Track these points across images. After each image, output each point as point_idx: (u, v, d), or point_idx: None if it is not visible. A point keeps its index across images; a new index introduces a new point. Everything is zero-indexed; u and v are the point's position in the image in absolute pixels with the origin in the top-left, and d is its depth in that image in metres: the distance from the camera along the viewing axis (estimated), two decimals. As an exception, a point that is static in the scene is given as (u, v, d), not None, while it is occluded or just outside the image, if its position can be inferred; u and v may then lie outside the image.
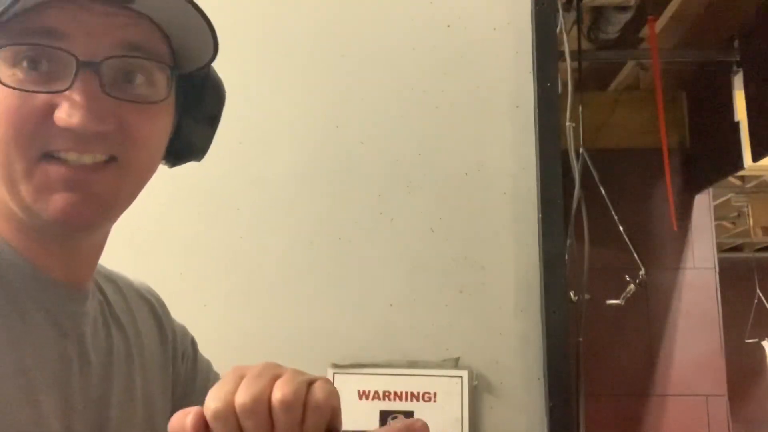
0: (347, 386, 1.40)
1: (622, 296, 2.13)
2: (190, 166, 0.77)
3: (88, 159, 0.60)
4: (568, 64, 1.72)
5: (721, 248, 3.87)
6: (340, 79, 1.54)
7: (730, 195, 3.91)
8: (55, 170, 0.60)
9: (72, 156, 0.60)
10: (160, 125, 0.66)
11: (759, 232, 4.06)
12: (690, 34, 2.74)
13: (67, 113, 0.58)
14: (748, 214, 4.02)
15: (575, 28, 2.26)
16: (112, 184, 0.62)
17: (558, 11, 1.57)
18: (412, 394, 1.40)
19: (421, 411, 1.39)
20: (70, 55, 0.58)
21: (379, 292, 1.45)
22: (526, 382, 1.42)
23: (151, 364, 0.77)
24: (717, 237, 3.26)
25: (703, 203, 3.21)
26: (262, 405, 0.51)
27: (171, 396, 0.80)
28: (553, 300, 1.41)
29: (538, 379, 1.42)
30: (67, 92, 0.58)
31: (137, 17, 0.61)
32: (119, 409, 0.69)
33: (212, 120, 0.74)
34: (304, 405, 0.52)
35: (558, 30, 1.57)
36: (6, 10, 0.56)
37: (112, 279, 0.78)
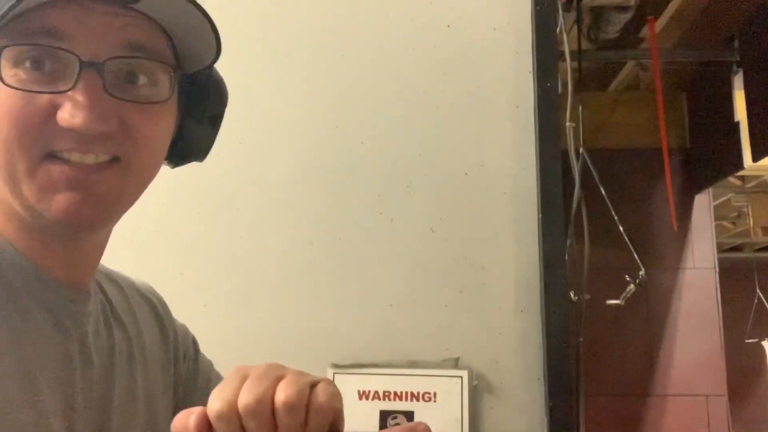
0: (347, 386, 1.40)
1: (622, 296, 2.13)
2: (190, 166, 0.77)
3: (90, 159, 0.60)
4: (568, 64, 1.72)
5: (721, 248, 3.87)
6: (340, 79, 1.54)
7: (730, 195, 3.91)
8: (57, 170, 0.60)
9: (75, 156, 0.60)
10: (163, 126, 0.66)
11: (759, 232, 4.06)
12: (690, 34, 2.74)
13: (69, 113, 0.58)
14: (748, 214, 4.02)
15: (575, 28, 2.26)
16: (115, 184, 0.62)
17: (558, 11, 1.57)
18: (412, 394, 1.40)
19: (421, 411, 1.39)
20: (72, 55, 0.58)
21: (379, 292, 1.46)
22: (526, 382, 1.42)
23: (153, 364, 0.77)
24: (717, 237, 3.26)
25: (703, 203, 3.21)
26: (265, 406, 0.51)
27: (173, 396, 0.80)
28: (553, 300, 1.41)
29: (538, 379, 1.42)
30: (69, 92, 0.58)
31: (140, 18, 0.62)
32: (121, 409, 0.69)
33: (215, 120, 0.74)
34: (307, 406, 0.52)
35: (558, 30, 1.57)
36: (9, 10, 0.56)
37: (114, 279, 0.78)
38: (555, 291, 1.42)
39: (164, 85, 0.64)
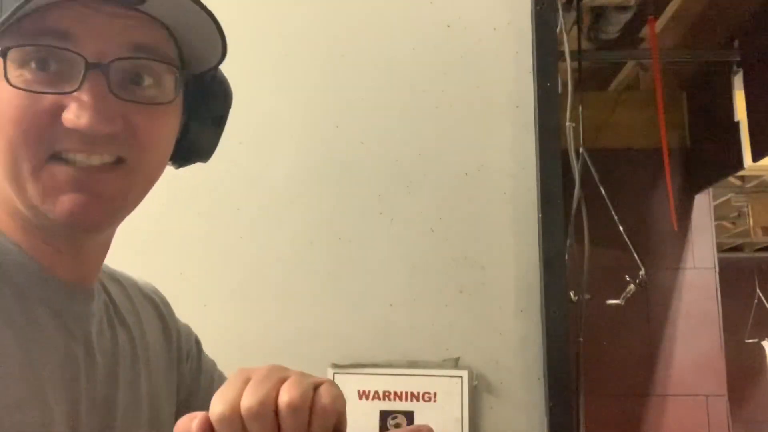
0: (347, 386, 1.40)
1: (622, 296, 2.13)
2: (191, 165, 0.77)
3: (95, 160, 0.60)
4: (568, 64, 1.72)
5: (721, 248, 3.87)
6: (340, 79, 1.54)
7: (730, 195, 3.91)
8: (62, 171, 0.60)
9: (79, 157, 0.60)
10: (168, 127, 0.66)
11: (759, 232, 4.06)
12: (690, 34, 2.74)
13: (75, 114, 0.58)
14: (748, 214, 4.02)
15: (575, 28, 2.26)
16: (120, 185, 0.62)
17: (558, 11, 1.57)
18: (412, 394, 1.40)
19: (421, 411, 1.40)
20: (78, 56, 0.58)
21: (379, 292, 1.45)
22: (526, 382, 1.42)
23: (156, 364, 0.77)
24: (717, 237, 3.26)
25: (703, 203, 3.21)
26: (268, 408, 0.51)
27: (176, 396, 0.81)
28: (553, 300, 1.41)
29: (538, 379, 1.41)
30: (75, 93, 0.58)
31: (146, 19, 0.61)
32: (124, 409, 0.69)
33: (219, 121, 0.74)
34: (311, 408, 0.52)
35: (558, 30, 1.57)
36: (16, 10, 0.56)
37: (117, 279, 0.78)
38: (555, 291, 1.42)
39: (169, 86, 0.64)
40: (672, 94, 3.19)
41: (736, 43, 2.73)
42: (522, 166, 1.49)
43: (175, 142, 0.70)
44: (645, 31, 2.63)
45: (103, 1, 0.59)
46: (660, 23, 2.56)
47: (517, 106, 1.51)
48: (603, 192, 1.87)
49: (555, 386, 1.39)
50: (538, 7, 1.53)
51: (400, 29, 1.55)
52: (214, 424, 0.51)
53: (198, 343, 0.88)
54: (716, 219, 3.43)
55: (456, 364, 1.42)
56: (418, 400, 1.40)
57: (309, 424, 0.52)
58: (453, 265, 1.46)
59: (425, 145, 1.51)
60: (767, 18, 2.50)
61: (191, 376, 0.84)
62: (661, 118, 2.51)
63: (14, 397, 0.57)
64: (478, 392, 1.41)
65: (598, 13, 2.48)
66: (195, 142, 0.72)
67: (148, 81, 0.62)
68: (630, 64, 3.03)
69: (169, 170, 0.74)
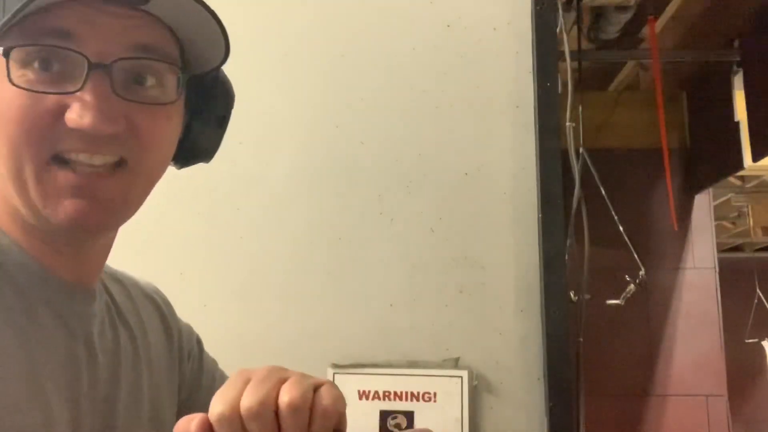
0: (347, 386, 1.40)
1: (622, 296, 2.13)
2: (192, 166, 0.77)
3: (97, 160, 0.60)
4: (568, 64, 1.72)
5: (721, 248, 3.87)
6: (340, 79, 1.54)
7: (730, 195, 3.91)
8: (63, 176, 0.59)
9: (82, 157, 0.60)
10: (170, 127, 0.66)
11: (759, 232, 4.06)
12: (690, 34, 2.74)
13: (78, 114, 0.58)
14: (748, 214, 4.02)
15: (575, 28, 2.26)
16: (121, 189, 0.62)
17: (558, 11, 1.57)
18: (412, 394, 1.40)
19: (421, 411, 1.40)
20: (81, 56, 0.58)
21: (379, 292, 1.46)
22: (526, 382, 1.42)
23: (158, 364, 0.77)
24: (717, 237, 3.26)
25: (703, 203, 3.20)
26: (268, 408, 0.51)
27: (177, 395, 0.81)
28: (553, 300, 1.41)
29: (538, 379, 1.41)
30: (78, 93, 0.58)
31: (149, 19, 0.61)
32: (126, 409, 0.69)
33: (221, 121, 0.74)
34: (311, 409, 0.52)
35: (558, 30, 1.57)
36: (20, 10, 0.56)
37: (119, 279, 0.78)
38: (555, 291, 1.42)
39: (172, 86, 0.64)
40: (672, 94, 3.18)
41: (736, 43, 2.73)
42: (522, 166, 1.49)
43: (178, 142, 0.69)
44: (645, 31, 2.63)
45: (106, 1, 0.59)
46: (660, 23, 2.56)
47: (517, 106, 1.51)
48: (603, 192, 1.87)
49: (555, 386, 1.39)
50: (538, 7, 1.53)
51: (400, 29, 1.55)
52: (214, 424, 0.51)
53: (199, 342, 0.88)
54: (716, 219, 3.43)
55: (456, 364, 1.42)
56: (418, 400, 1.40)
57: (309, 425, 0.52)
58: (453, 265, 1.46)
59: (425, 145, 1.51)
60: (767, 18, 2.50)
61: (192, 375, 0.84)
62: (661, 118, 2.51)
63: (15, 398, 0.57)
64: (478, 392, 1.41)
65: (598, 13, 2.47)
66: (197, 143, 0.72)
67: (150, 81, 0.62)
68: (630, 64, 3.03)
69: (170, 170, 0.74)
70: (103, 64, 0.59)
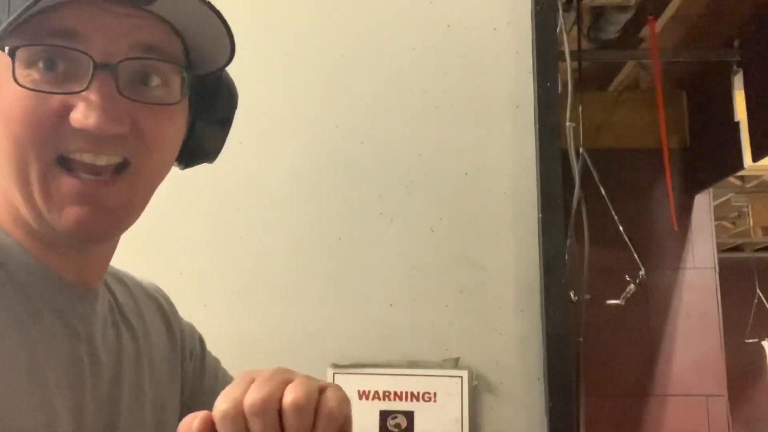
0: (347, 386, 1.39)
1: (622, 296, 2.13)
2: (194, 166, 0.77)
3: (102, 161, 0.60)
4: (568, 64, 1.72)
5: (721, 248, 3.87)
6: (340, 79, 1.54)
7: (730, 195, 3.91)
8: (68, 183, 0.59)
9: (86, 158, 0.60)
10: (175, 127, 0.66)
11: (759, 232, 4.06)
12: (690, 34, 2.74)
13: (83, 114, 0.58)
14: (748, 214, 4.02)
15: (575, 28, 2.26)
16: (125, 196, 0.62)
17: (558, 11, 1.57)
18: (412, 394, 1.40)
19: (421, 411, 1.40)
20: (86, 56, 0.58)
21: (379, 292, 1.45)
22: (526, 382, 1.42)
23: (160, 364, 0.77)
24: (717, 237, 3.26)
25: (703, 203, 3.20)
26: (272, 406, 0.51)
27: (180, 395, 0.81)
28: (553, 300, 1.41)
29: (538, 379, 1.41)
30: (83, 93, 0.58)
31: (154, 19, 0.61)
32: (129, 409, 0.69)
33: (225, 122, 0.74)
34: (316, 411, 0.52)
35: (558, 30, 1.57)
36: (25, 10, 0.55)
37: (121, 279, 0.78)
38: (555, 291, 1.42)
39: (176, 86, 0.64)
40: (672, 94, 3.18)
41: (736, 43, 2.73)
42: (522, 166, 1.49)
43: (181, 143, 0.69)
44: (645, 31, 2.63)
45: (111, 2, 0.59)
46: (660, 23, 2.56)
47: (517, 106, 1.51)
48: (603, 192, 1.87)
49: (555, 386, 1.39)
50: (538, 7, 1.53)
51: (400, 29, 1.55)
52: (217, 421, 0.51)
53: (202, 341, 0.88)
54: (716, 219, 3.43)
55: (456, 364, 1.42)
56: (418, 400, 1.40)
57: (314, 426, 0.52)
58: (453, 265, 1.46)
59: (425, 145, 1.51)
60: (767, 18, 2.50)
61: (195, 375, 0.84)
62: (661, 118, 2.51)
63: (19, 398, 0.57)
64: (478, 392, 1.41)
65: (598, 13, 2.47)
66: (201, 143, 0.72)
67: (155, 81, 0.62)
68: (630, 64, 3.03)
69: (170, 170, 0.74)
70: (109, 64, 0.58)
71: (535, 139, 1.49)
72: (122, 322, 0.73)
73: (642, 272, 2.08)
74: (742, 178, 3.66)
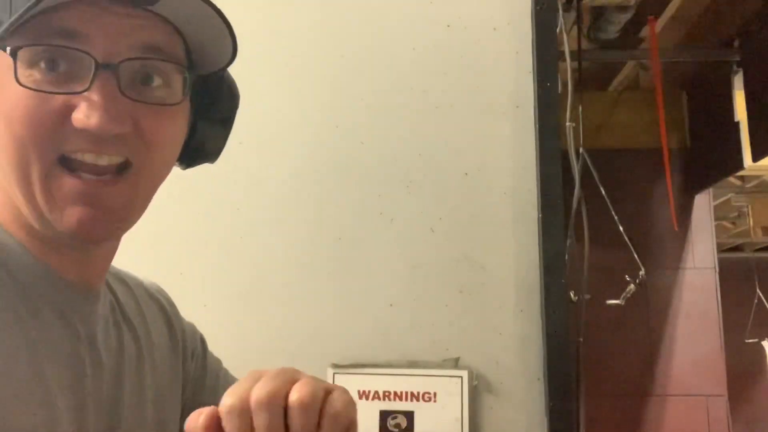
0: (347, 386, 1.39)
1: (622, 296, 2.13)
2: (195, 167, 0.77)
3: (104, 161, 0.60)
4: (568, 64, 1.72)
5: (721, 248, 3.87)
6: (340, 79, 1.54)
7: (730, 195, 3.90)
8: (69, 183, 0.59)
9: (88, 158, 0.60)
10: (176, 127, 0.66)
11: (759, 232, 4.05)
12: (690, 34, 2.74)
13: (85, 114, 0.58)
14: (748, 214, 4.02)
15: (575, 28, 2.26)
16: (126, 196, 0.62)
17: (558, 11, 1.57)
18: (412, 394, 1.40)
19: (421, 411, 1.40)
20: (88, 56, 0.58)
21: (379, 292, 1.45)
22: (526, 382, 1.42)
23: (162, 364, 0.77)
24: (717, 237, 3.26)
25: (703, 203, 3.20)
26: (278, 401, 0.52)
27: (181, 395, 0.81)
28: (553, 300, 1.41)
29: (538, 379, 1.41)
30: (85, 93, 0.58)
31: (156, 19, 0.61)
32: (130, 409, 0.69)
33: (226, 122, 0.74)
34: (321, 411, 0.52)
35: (558, 30, 1.57)
36: (27, 11, 0.55)
37: (123, 279, 0.78)
38: (555, 291, 1.42)
39: (178, 86, 0.64)
40: (672, 94, 3.18)
41: (736, 43, 2.73)
42: (522, 166, 1.49)
43: (183, 143, 0.69)
44: (645, 31, 2.63)
45: (113, 1, 0.59)
46: (660, 23, 2.56)
47: (517, 106, 1.51)
48: (603, 192, 1.87)
49: (555, 386, 1.39)
50: (538, 7, 1.53)
51: (400, 29, 1.55)
52: (223, 415, 0.52)
53: (203, 341, 0.88)
54: (716, 219, 3.43)
55: (456, 364, 1.42)
56: (418, 400, 1.40)
57: (319, 427, 0.52)
58: (453, 265, 1.46)
59: (425, 145, 1.51)
60: (767, 18, 2.50)
61: (196, 374, 0.84)
62: (661, 118, 2.51)
63: (20, 398, 0.57)
64: (478, 392, 1.41)
65: (598, 13, 2.47)
66: (202, 143, 0.72)
67: (157, 81, 0.62)
68: (630, 64, 3.03)
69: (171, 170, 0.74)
70: (110, 64, 0.58)
71: (535, 139, 1.49)
72: (124, 322, 0.73)
73: (642, 272, 2.08)
74: (742, 178, 3.66)
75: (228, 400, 0.52)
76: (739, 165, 2.79)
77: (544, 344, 1.41)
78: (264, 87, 1.53)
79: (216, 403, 0.53)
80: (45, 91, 0.58)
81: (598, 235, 1.77)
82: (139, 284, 0.81)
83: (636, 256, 2.11)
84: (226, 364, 0.91)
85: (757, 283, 4.67)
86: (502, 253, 1.46)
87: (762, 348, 4.75)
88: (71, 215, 0.60)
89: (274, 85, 1.53)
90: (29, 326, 0.60)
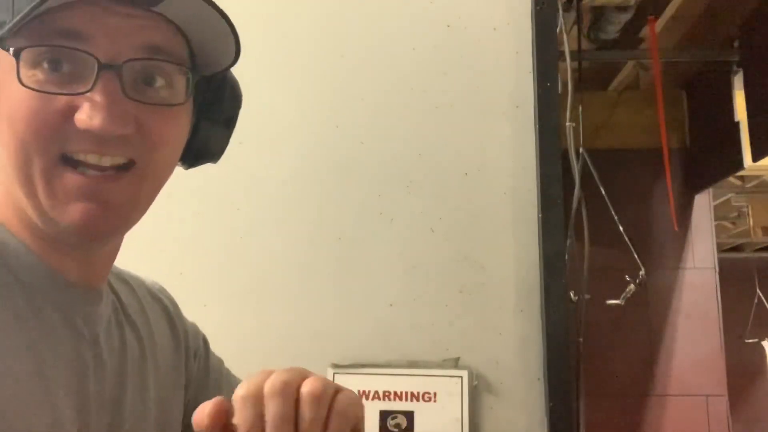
0: (347, 386, 1.39)
1: (622, 296, 2.13)
2: (198, 166, 0.77)
3: (107, 161, 0.60)
4: (568, 64, 1.72)
5: (721, 248, 3.87)
6: (340, 79, 1.54)
7: (730, 195, 3.91)
8: (72, 179, 0.59)
9: (91, 158, 0.59)
10: (179, 128, 0.66)
11: (759, 232, 4.06)
12: (690, 34, 2.74)
13: (87, 115, 0.58)
14: (748, 214, 4.02)
15: (575, 28, 2.26)
16: (130, 193, 0.62)
17: (558, 11, 1.57)
18: (412, 394, 1.40)
19: (421, 411, 1.40)
20: (91, 56, 0.58)
21: (379, 292, 1.45)
22: (526, 382, 1.42)
23: (164, 364, 0.77)
24: (717, 237, 3.26)
25: (703, 203, 3.21)
26: (290, 389, 0.52)
27: (184, 395, 0.81)
28: (553, 300, 1.41)
29: (538, 379, 1.41)
30: (88, 94, 0.58)
31: (159, 19, 0.61)
32: (133, 410, 0.69)
33: (229, 122, 0.74)
34: (330, 407, 0.53)
35: (558, 30, 1.57)
36: (30, 11, 0.55)
37: (125, 279, 0.78)
38: (555, 291, 1.42)
39: (181, 87, 0.64)
40: (672, 94, 3.19)
41: (736, 43, 2.73)
42: (522, 166, 1.49)
43: (185, 143, 0.69)
44: (645, 31, 2.63)
45: (116, 2, 0.59)
46: (660, 23, 2.56)
47: (517, 106, 1.51)
48: (603, 192, 1.87)
49: (555, 386, 1.39)
50: (538, 7, 1.53)
51: (400, 29, 1.55)
52: (236, 405, 0.52)
53: (205, 341, 0.88)
54: (716, 219, 3.43)
55: (456, 364, 1.42)
56: (418, 400, 1.40)
57: (327, 423, 0.53)
58: (453, 265, 1.46)
59: (425, 145, 1.51)
60: (767, 18, 2.50)
61: (199, 375, 0.84)
62: (661, 118, 2.51)
63: (23, 399, 0.57)
64: (478, 392, 1.41)
65: (598, 13, 2.48)
66: (205, 144, 0.72)
67: (160, 82, 0.62)
68: (630, 64, 3.03)
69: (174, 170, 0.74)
70: (113, 64, 0.58)
71: (535, 139, 1.49)
72: (126, 322, 0.73)
73: (642, 272, 2.08)
74: (742, 178, 3.66)
75: (241, 390, 0.52)
76: (739, 165, 2.80)
77: (544, 344, 1.41)
78: (264, 87, 1.53)
79: None
80: (48, 92, 0.58)
81: (598, 235, 1.77)
82: (142, 284, 0.81)
83: (636, 256, 2.11)
84: (226, 363, 0.91)
85: (757, 283, 4.68)
86: (502, 253, 1.46)
87: (762, 348, 4.75)
88: (75, 211, 0.59)
89: (274, 85, 1.53)
90: (31, 326, 0.60)
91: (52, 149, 0.59)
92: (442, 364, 1.42)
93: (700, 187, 3.17)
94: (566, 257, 1.47)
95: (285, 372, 0.53)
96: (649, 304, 3.09)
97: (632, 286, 2.09)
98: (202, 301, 1.44)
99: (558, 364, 1.40)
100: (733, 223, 4.42)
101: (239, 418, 0.52)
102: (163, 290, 0.85)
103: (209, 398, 0.53)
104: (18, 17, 0.56)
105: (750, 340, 4.64)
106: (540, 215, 1.45)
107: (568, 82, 1.89)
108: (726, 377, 3.06)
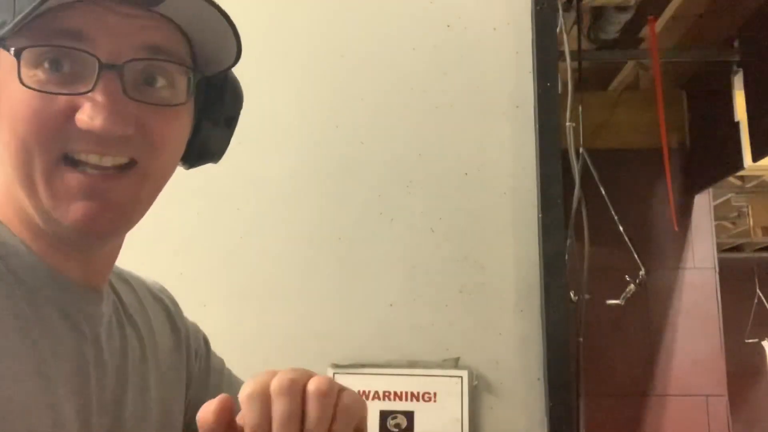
0: (347, 386, 1.39)
1: (622, 296, 2.13)
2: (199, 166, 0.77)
3: (108, 161, 0.60)
4: (568, 64, 1.72)
5: (721, 248, 3.87)
6: (340, 79, 1.54)
7: (730, 195, 3.91)
8: (74, 178, 0.59)
9: (92, 158, 0.59)
10: (180, 128, 0.66)
11: (759, 232, 4.06)
12: (690, 34, 2.74)
13: (89, 115, 0.58)
14: (748, 214, 4.02)
15: (575, 28, 2.26)
16: (131, 191, 0.62)
17: (558, 11, 1.57)
18: (412, 394, 1.40)
19: (421, 411, 1.40)
20: (92, 56, 0.58)
21: (379, 292, 1.46)
22: (526, 382, 1.42)
23: (165, 364, 0.77)
24: (717, 237, 3.26)
25: (703, 203, 3.21)
26: (297, 387, 0.52)
27: (185, 395, 0.81)
28: (553, 300, 1.41)
29: (538, 379, 1.41)
30: (89, 94, 0.58)
31: (160, 20, 0.61)
32: (134, 410, 0.69)
33: (230, 122, 0.74)
34: (335, 405, 0.53)
35: (558, 30, 1.57)
36: (31, 11, 0.55)
37: (126, 279, 0.78)
38: (555, 291, 1.42)
39: (182, 87, 0.64)
40: (672, 94, 3.18)
41: (736, 43, 2.73)
42: (522, 166, 1.49)
43: (187, 143, 0.69)
44: (645, 31, 2.63)
45: (117, 2, 0.59)
46: (660, 23, 2.56)
47: (517, 106, 1.51)
48: (603, 192, 1.87)
49: (555, 386, 1.39)
50: (538, 7, 1.53)
51: (400, 29, 1.55)
52: (243, 402, 0.52)
53: (206, 341, 0.88)
54: (716, 219, 3.43)
55: (456, 364, 1.42)
56: (418, 400, 1.40)
57: (332, 420, 0.53)
58: (453, 265, 1.46)
59: (425, 145, 1.51)
60: (767, 18, 2.50)
61: (200, 374, 0.84)
62: (661, 118, 2.51)
63: (25, 399, 0.57)
64: (478, 392, 1.41)
65: (598, 13, 2.48)
66: (206, 143, 0.72)
67: (161, 82, 0.62)
68: (630, 64, 3.03)
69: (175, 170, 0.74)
70: (115, 64, 0.58)
71: (535, 139, 1.49)
72: (127, 322, 0.73)
73: (642, 272, 2.09)
74: (742, 178, 3.66)
75: (248, 388, 0.52)
76: (739, 165, 2.80)
77: (544, 344, 1.41)
78: (264, 87, 1.53)
79: None
80: (49, 92, 0.58)
81: (598, 235, 1.77)
82: (143, 284, 0.81)
83: (636, 256, 2.11)
84: (226, 363, 0.91)
85: (757, 283, 4.68)
86: (502, 253, 1.46)
87: (762, 348, 4.75)
88: (76, 210, 0.59)
89: (274, 85, 1.53)
90: (32, 326, 0.60)
91: (53, 149, 0.59)
92: (442, 364, 1.42)
93: (700, 187, 3.17)
94: (566, 257, 1.47)
95: (291, 371, 0.54)
96: (649, 304, 3.09)
97: (632, 286, 2.09)
98: (202, 301, 1.44)
99: (558, 364, 1.40)
100: (733, 223, 4.42)
101: (246, 416, 0.52)
102: (163, 290, 0.85)
103: (210, 398, 0.53)
104: (19, 17, 0.56)
105: (750, 340, 4.64)
106: (540, 215, 1.45)
107: (568, 82, 1.89)
108: (726, 377, 3.06)
